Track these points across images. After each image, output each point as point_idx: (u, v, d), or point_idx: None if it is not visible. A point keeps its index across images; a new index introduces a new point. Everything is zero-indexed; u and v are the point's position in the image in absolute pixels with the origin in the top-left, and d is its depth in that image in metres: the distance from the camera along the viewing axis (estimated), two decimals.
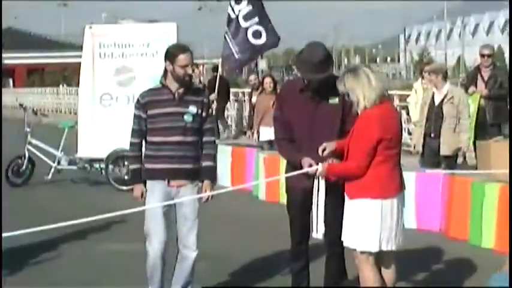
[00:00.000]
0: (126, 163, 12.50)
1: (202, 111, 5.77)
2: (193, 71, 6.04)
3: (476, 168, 10.62)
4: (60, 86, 36.97)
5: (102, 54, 13.11)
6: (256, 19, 12.77)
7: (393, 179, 5.29)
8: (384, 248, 5.28)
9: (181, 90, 5.71)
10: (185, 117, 5.69)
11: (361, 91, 5.19)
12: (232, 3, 12.93)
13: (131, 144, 5.84)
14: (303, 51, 5.71)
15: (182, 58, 5.63)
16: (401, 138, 5.54)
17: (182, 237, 5.86)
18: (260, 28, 12.80)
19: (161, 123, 5.69)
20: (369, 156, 5.16)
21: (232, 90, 21.63)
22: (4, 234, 4.96)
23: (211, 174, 5.88)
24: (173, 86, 5.71)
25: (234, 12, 12.88)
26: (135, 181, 5.90)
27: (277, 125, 5.95)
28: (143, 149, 5.89)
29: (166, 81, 5.74)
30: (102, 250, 8.24)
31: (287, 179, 5.89)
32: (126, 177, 12.41)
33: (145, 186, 5.82)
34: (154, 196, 5.73)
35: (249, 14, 12.81)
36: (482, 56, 11.13)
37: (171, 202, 5.76)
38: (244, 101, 20.52)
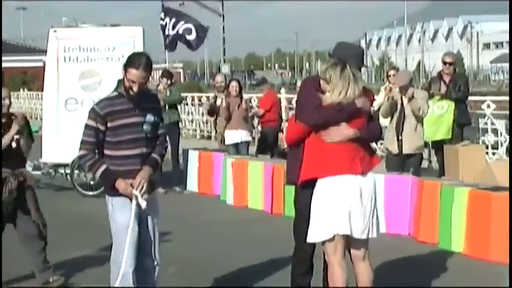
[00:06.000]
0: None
1: (157, 119, 5.45)
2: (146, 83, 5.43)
3: (442, 172, 10.76)
4: (21, 90, 36.41)
5: (66, 58, 12.92)
6: (182, 22, 15.41)
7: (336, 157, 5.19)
8: (341, 232, 5.10)
9: (137, 98, 5.30)
10: (144, 127, 5.33)
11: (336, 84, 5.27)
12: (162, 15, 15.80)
13: (83, 156, 5.33)
14: (345, 47, 5.94)
15: (133, 73, 5.22)
16: None
17: (148, 250, 5.46)
18: (189, 25, 15.39)
19: (124, 136, 5.29)
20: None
21: (196, 94, 21.49)
22: None
23: (155, 163, 5.45)
24: (130, 93, 5.31)
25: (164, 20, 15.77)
26: (112, 179, 5.31)
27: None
28: None
29: (123, 88, 5.32)
30: (71, 257, 8.10)
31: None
32: (91, 182, 12.28)
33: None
34: (125, 215, 5.28)
35: (174, 23, 15.56)
36: (445, 63, 11.27)
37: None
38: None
